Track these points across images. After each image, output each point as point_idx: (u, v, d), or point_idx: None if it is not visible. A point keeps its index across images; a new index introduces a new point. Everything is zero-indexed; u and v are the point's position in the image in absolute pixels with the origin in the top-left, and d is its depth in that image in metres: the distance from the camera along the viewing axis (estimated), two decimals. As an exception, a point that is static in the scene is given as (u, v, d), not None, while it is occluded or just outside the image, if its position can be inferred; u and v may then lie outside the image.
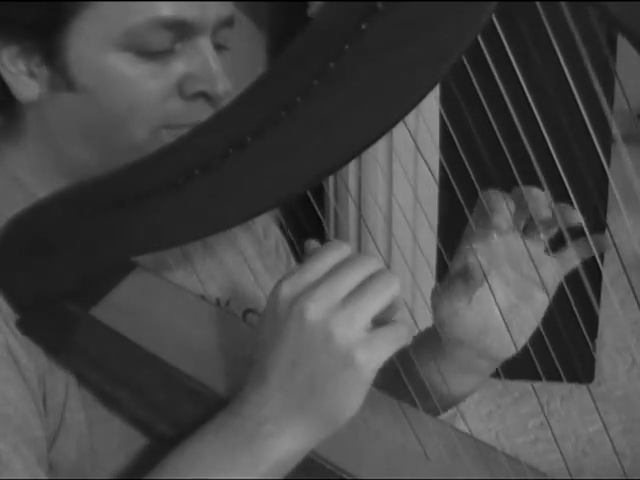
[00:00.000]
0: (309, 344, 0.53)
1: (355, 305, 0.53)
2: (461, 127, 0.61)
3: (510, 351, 0.72)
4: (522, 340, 0.72)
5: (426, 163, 1.58)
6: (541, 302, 0.72)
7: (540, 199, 0.67)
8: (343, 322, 0.53)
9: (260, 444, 0.55)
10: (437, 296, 0.72)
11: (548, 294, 0.71)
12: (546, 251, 0.71)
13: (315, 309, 0.53)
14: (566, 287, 0.72)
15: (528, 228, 0.71)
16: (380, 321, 0.55)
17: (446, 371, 0.73)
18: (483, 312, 0.71)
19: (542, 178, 0.59)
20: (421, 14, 0.47)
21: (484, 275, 0.68)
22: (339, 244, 0.56)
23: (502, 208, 0.67)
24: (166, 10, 0.61)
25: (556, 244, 0.71)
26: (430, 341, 0.74)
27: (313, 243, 0.58)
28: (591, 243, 0.68)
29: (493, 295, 0.70)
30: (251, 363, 0.57)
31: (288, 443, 0.56)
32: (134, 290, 0.66)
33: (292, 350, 0.54)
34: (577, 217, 0.66)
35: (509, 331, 0.71)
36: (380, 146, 1.74)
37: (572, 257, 0.71)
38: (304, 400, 0.55)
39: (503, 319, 0.70)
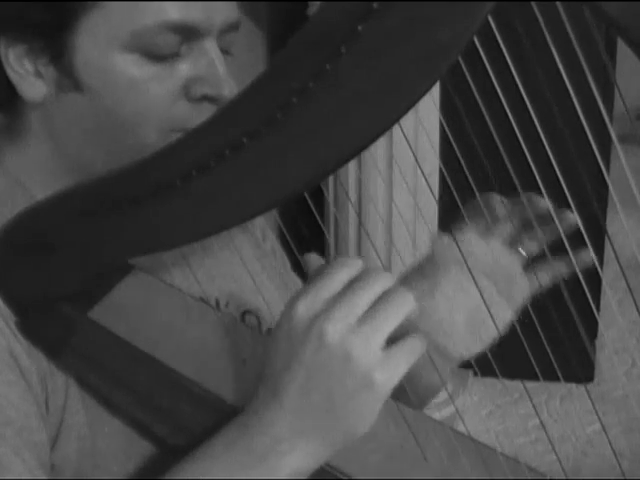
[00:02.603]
0: (326, 365, 0.53)
1: (372, 325, 0.53)
2: (460, 133, 0.61)
3: (466, 353, 0.73)
4: (479, 346, 0.72)
5: (423, 174, 1.58)
6: (505, 315, 0.72)
7: (540, 205, 0.67)
8: (361, 343, 0.53)
9: (273, 463, 0.55)
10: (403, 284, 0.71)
11: (514, 309, 0.72)
12: (524, 266, 0.72)
13: (333, 331, 0.53)
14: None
15: (513, 239, 0.71)
16: (394, 335, 0.55)
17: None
18: (446, 309, 0.71)
19: (541, 180, 0.59)
20: (417, 14, 0.47)
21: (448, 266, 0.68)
22: (350, 260, 0.56)
23: (503, 216, 0.67)
24: (174, 13, 0.60)
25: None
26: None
27: (314, 257, 0.58)
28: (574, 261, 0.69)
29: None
30: (261, 377, 0.57)
31: (301, 461, 0.56)
32: (132, 292, 0.66)
33: (308, 370, 0.54)
34: (572, 218, 0.66)
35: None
36: (380, 152, 1.74)
37: (545, 278, 0.71)
38: (319, 420, 0.55)
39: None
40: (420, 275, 0.69)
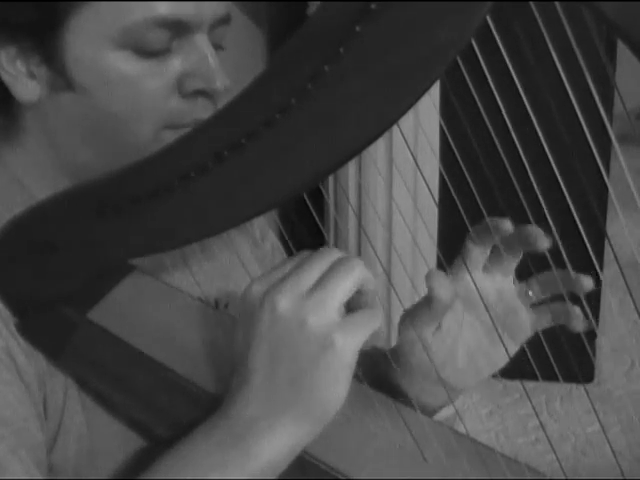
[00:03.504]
0: (284, 336, 0.54)
1: (323, 290, 0.54)
2: (460, 135, 0.61)
3: (466, 385, 0.72)
4: (480, 378, 0.72)
5: (423, 177, 1.58)
6: (510, 349, 0.71)
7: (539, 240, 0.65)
8: (314, 308, 0.53)
9: (251, 443, 0.55)
10: (404, 320, 0.70)
11: (515, 345, 0.71)
12: (531, 305, 0.70)
13: (285, 300, 0.53)
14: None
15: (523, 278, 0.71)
16: (353, 308, 0.55)
17: (411, 393, 0.72)
18: (446, 345, 0.70)
19: (540, 181, 0.59)
20: (415, 14, 0.47)
21: (452, 306, 0.67)
22: (309, 252, 0.57)
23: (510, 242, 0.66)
24: (163, 9, 0.60)
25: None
26: (396, 365, 0.72)
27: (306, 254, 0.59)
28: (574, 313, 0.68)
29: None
30: (234, 363, 0.57)
31: (280, 440, 0.55)
32: (132, 293, 0.66)
33: (268, 345, 0.54)
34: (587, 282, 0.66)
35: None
36: (380, 154, 1.74)
37: (549, 318, 0.70)
38: (289, 393, 0.55)
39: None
40: (423, 309, 0.68)
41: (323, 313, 0.53)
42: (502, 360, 0.71)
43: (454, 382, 0.72)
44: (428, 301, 0.66)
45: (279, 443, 0.55)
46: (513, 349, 0.71)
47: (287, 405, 0.55)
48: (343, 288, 0.54)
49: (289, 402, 0.55)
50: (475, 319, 0.70)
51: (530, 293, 0.70)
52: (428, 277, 0.65)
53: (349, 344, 0.54)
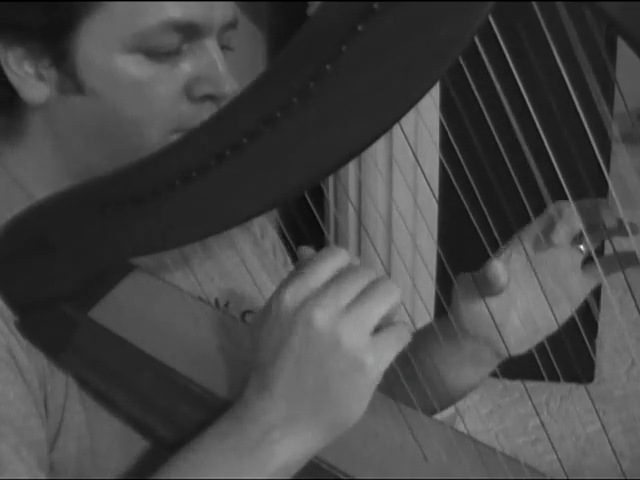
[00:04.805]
0: (316, 351, 0.53)
1: (360, 311, 0.54)
2: (461, 132, 0.61)
3: (518, 350, 0.74)
4: (534, 342, 0.74)
5: (423, 173, 1.58)
6: (564, 312, 0.73)
7: (611, 209, 0.67)
8: (350, 328, 0.53)
9: (266, 450, 0.55)
10: (462, 284, 0.72)
11: (573, 306, 0.73)
12: (583, 263, 0.73)
13: (322, 316, 0.53)
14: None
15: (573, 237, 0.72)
16: (379, 325, 0.55)
17: (453, 361, 0.74)
18: (504, 305, 0.72)
19: (541, 179, 0.59)
20: (418, 14, 0.47)
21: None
22: (337, 250, 0.57)
23: (573, 223, 0.69)
24: (175, 12, 0.61)
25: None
26: (441, 331, 0.74)
27: (307, 249, 0.59)
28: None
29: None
30: (252, 367, 0.57)
31: (294, 449, 0.56)
32: (133, 292, 0.66)
33: (298, 357, 0.54)
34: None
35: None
36: (380, 152, 1.74)
37: (599, 274, 0.72)
38: (312, 406, 0.55)
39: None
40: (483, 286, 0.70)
41: (358, 333, 0.53)
42: (560, 318, 0.72)
43: (507, 345, 0.73)
44: (483, 281, 0.69)
45: (293, 450, 0.56)
46: (570, 310, 0.73)
47: (306, 416, 0.55)
48: (380, 311, 0.54)
49: (309, 414, 0.55)
50: (532, 280, 0.72)
51: (582, 247, 0.72)
52: (489, 263, 0.68)
53: (379, 365, 0.54)
